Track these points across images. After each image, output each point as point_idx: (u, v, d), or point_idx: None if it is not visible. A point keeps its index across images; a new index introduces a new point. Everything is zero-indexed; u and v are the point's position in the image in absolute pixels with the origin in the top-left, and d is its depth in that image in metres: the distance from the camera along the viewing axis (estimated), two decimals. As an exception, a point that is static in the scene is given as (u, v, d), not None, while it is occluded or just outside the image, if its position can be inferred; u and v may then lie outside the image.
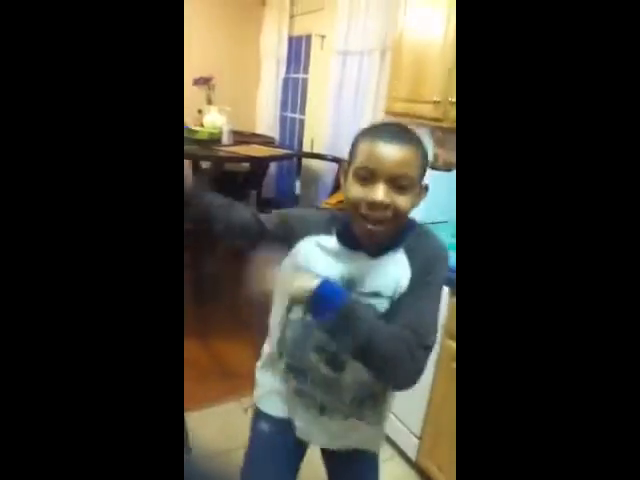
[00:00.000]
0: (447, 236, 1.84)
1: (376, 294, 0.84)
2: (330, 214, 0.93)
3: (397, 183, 0.77)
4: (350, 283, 0.85)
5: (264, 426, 1.02)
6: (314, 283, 0.75)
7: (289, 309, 0.90)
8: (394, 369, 0.76)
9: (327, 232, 0.89)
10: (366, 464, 1.03)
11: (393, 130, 0.80)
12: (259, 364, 1.07)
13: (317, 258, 0.87)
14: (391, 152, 0.76)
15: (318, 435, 0.98)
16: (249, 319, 2.79)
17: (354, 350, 0.76)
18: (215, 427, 1.90)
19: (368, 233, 0.81)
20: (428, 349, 0.77)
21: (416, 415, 1.69)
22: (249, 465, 1.03)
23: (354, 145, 0.82)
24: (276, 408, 1.01)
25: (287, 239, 0.90)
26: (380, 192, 0.76)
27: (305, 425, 0.97)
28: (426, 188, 0.85)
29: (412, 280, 0.83)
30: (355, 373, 0.88)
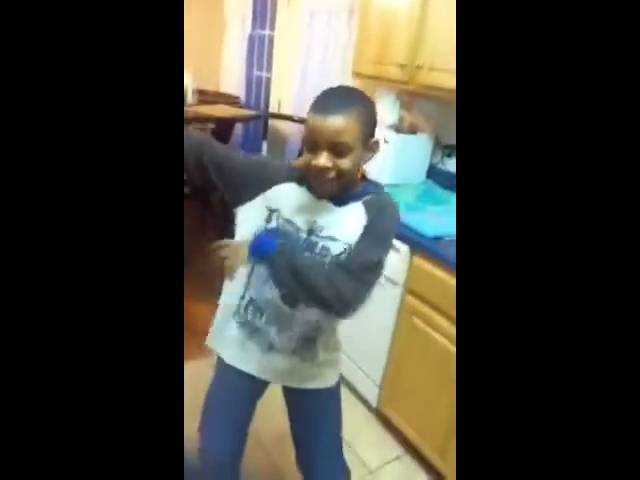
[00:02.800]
0: (409, 197, 1.91)
1: (331, 238, 0.96)
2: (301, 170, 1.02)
3: (336, 149, 0.88)
4: (311, 227, 0.97)
5: (223, 369, 1.14)
6: (241, 258, 0.97)
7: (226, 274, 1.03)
8: (324, 298, 0.90)
9: (299, 182, 1.00)
10: (322, 399, 1.14)
11: (333, 99, 0.90)
12: (218, 315, 1.16)
13: (287, 203, 0.99)
14: (327, 124, 0.87)
15: (265, 371, 1.09)
16: (216, 284, 2.82)
17: (290, 282, 0.92)
18: (186, 383, 1.95)
19: (320, 189, 0.95)
20: (363, 281, 0.92)
21: (377, 365, 1.80)
22: (208, 402, 1.18)
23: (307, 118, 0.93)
24: (231, 357, 1.11)
25: (260, 180, 1.01)
26: (322, 159, 0.89)
27: (254, 362, 1.08)
28: (377, 144, 0.95)
29: (365, 230, 0.95)
30: (306, 311, 1.00)
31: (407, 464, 1.72)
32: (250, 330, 1.06)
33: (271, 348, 1.05)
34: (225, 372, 1.13)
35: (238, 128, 3.66)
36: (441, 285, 1.49)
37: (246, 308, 1.06)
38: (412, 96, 2.05)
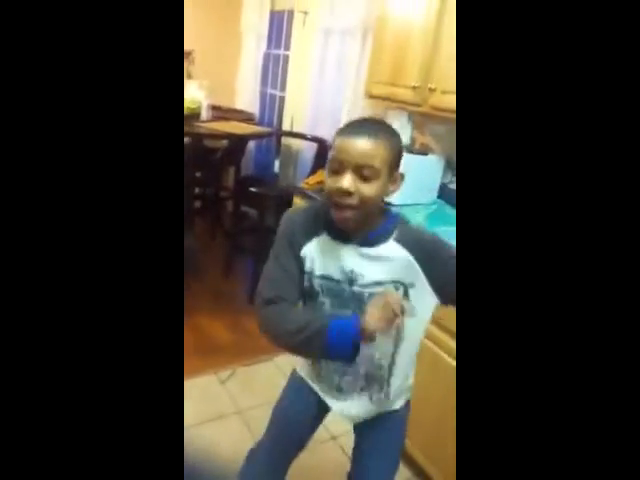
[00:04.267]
0: (420, 218, 1.91)
1: (377, 283, 0.93)
2: (314, 211, 1.00)
3: (362, 173, 0.85)
4: (350, 276, 0.94)
5: (296, 382, 1.17)
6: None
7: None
8: None
9: (318, 232, 0.98)
10: (389, 423, 1.14)
11: (363, 125, 0.89)
12: None
13: (317, 259, 0.97)
14: (356, 145, 0.84)
15: (338, 405, 1.11)
16: (224, 298, 2.83)
17: None
18: (192, 399, 1.96)
19: (341, 218, 0.90)
20: None
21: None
22: (277, 410, 1.20)
23: (332, 142, 0.91)
24: (306, 375, 1.15)
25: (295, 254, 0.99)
26: (345, 181, 0.85)
27: (326, 395, 1.11)
28: (401, 177, 0.93)
29: (425, 259, 0.93)
30: (365, 350, 0.97)
31: (415, 488, 1.69)
32: (316, 374, 1.09)
33: (339, 390, 1.06)
34: (297, 387, 1.16)
35: (251, 145, 3.70)
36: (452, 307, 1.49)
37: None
38: (424, 117, 2.07)
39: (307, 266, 0.98)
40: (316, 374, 1.10)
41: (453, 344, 1.50)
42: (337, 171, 0.86)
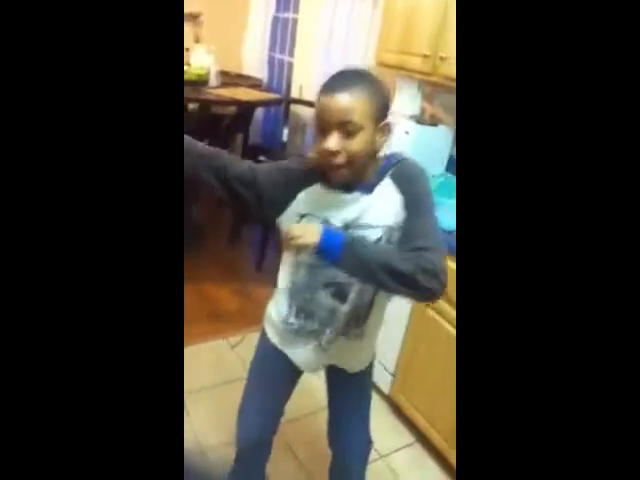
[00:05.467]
0: (428, 190, 1.91)
1: (369, 225, 0.95)
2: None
3: (345, 129, 0.86)
4: (346, 222, 0.95)
5: (265, 347, 1.18)
6: (315, 238, 0.87)
7: (297, 255, 1.01)
8: (413, 284, 0.86)
9: (322, 181, 0.97)
10: (359, 380, 1.20)
11: (340, 79, 0.88)
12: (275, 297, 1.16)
13: (317, 204, 0.97)
14: (334, 102, 0.85)
15: (310, 363, 1.13)
16: (232, 265, 2.87)
17: (369, 277, 0.89)
18: (205, 363, 2.04)
19: (335, 176, 0.91)
20: (439, 254, 0.88)
21: (391, 355, 1.84)
22: (249, 382, 1.22)
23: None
24: (275, 338, 1.15)
25: (287, 188, 0.98)
26: (330, 140, 0.86)
27: (299, 356, 1.12)
28: (389, 127, 0.92)
29: (407, 207, 0.93)
30: (353, 302, 1.02)
31: (417, 451, 1.77)
32: (302, 333, 1.09)
33: (320, 345, 1.08)
34: (269, 349, 1.16)
35: (259, 112, 3.66)
36: (454, 276, 1.52)
37: (297, 316, 1.07)
38: (434, 87, 2.04)
39: (303, 209, 0.97)
40: (301, 334, 1.09)
41: (454, 313, 1.54)
42: (322, 131, 0.87)
